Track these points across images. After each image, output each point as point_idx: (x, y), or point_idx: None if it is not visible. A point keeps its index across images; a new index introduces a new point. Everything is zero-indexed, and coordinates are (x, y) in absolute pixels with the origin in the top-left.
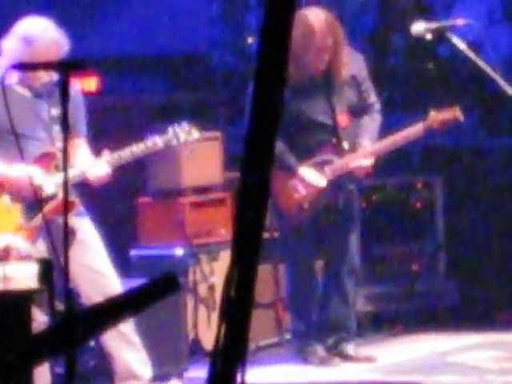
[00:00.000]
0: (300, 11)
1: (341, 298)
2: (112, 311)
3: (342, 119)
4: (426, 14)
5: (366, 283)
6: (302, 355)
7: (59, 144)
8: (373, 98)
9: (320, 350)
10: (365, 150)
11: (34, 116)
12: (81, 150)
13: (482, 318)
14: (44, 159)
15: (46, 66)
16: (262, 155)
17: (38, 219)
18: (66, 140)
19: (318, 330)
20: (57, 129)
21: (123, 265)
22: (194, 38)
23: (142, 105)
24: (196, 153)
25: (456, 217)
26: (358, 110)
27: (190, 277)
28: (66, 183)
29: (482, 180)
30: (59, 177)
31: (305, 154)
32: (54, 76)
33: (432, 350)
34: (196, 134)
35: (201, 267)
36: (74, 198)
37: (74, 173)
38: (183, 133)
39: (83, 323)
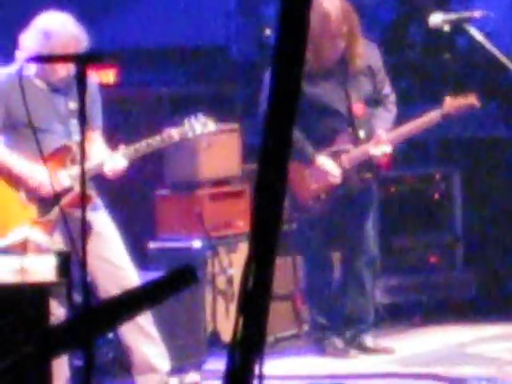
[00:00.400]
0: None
1: (359, 289)
2: (130, 304)
3: (358, 108)
4: (444, 5)
5: (385, 275)
6: (320, 347)
7: (76, 137)
8: (387, 89)
9: (338, 341)
10: (380, 138)
11: (50, 109)
12: (96, 142)
13: (499, 309)
14: (60, 153)
15: (64, 58)
16: (279, 146)
17: (53, 213)
18: (83, 133)
19: (337, 321)
20: (74, 122)
21: (141, 257)
22: (212, 29)
23: (161, 97)
24: (214, 145)
25: (474, 208)
26: (373, 101)
27: (209, 269)
28: (83, 176)
29: (500, 171)
30: (75, 170)
31: (319, 141)
32: (71, 70)
33: (450, 341)
34: (212, 125)
35: (219, 259)
36: (90, 191)
37: (90, 166)
38: (199, 125)
39: (101, 316)
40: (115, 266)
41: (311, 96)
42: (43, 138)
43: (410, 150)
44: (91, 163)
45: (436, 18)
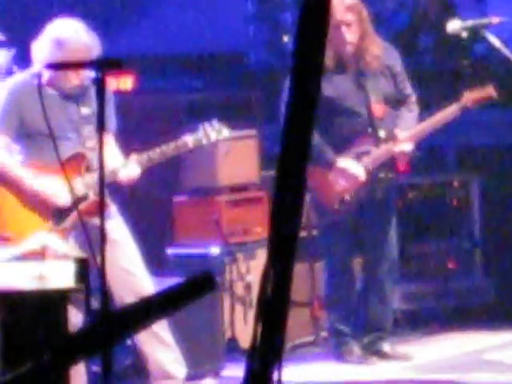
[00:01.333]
0: None
1: (379, 296)
2: (148, 310)
3: (377, 108)
4: (451, 12)
5: (403, 281)
6: (338, 353)
7: (89, 144)
8: (409, 89)
9: (356, 348)
10: (397, 137)
11: (63, 116)
12: (109, 147)
13: None
14: (74, 161)
15: (83, 65)
16: (298, 152)
17: (68, 222)
18: (101, 139)
19: (355, 328)
20: (87, 128)
21: (160, 263)
22: (230, 36)
23: (179, 103)
24: (232, 151)
25: (492, 215)
26: (395, 101)
27: (227, 275)
28: (102, 185)
29: None
30: (89, 178)
31: (340, 143)
32: (84, 79)
33: (468, 347)
34: (226, 132)
35: (237, 266)
36: (104, 199)
37: (120, 175)
38: (214, 131)
39: (119, 322)
40: (129, 274)
41: (330, 98)
42: (57, 146)
43: (428, 157)
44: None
45: (454, 25)
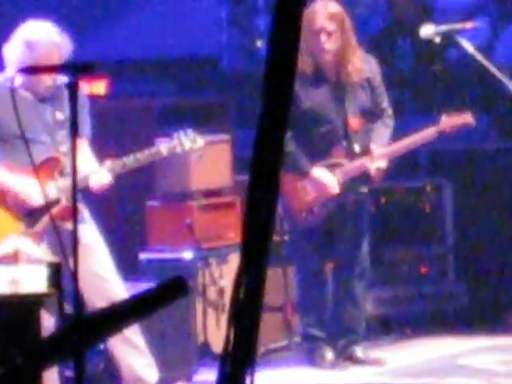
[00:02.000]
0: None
1: (351, 301)
2: (122, 314)
3: (354, 122)
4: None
5: (376, 286)
6: (310, 358)
7: (63, 148)
8: (386, 103)
9: (329, 353)
10: (373, 154)
11: (37, 120)
12: (82, 151)
13: (491, 320)
14: (47, 164)
15: (55, 69)
16: (271, 158)
17: (40, 225)
18: (74, 144)
19: (328, 333)
20: (61, 133)
21: (132, 268)
22: (203, 40)
23: (153, 108)
24: (205, 156)
25: (465, 220)
26: (371, 114)
27: (199, 280)
28: (74, 189)
29: (492, 183)
30: (62, 182)
31: (314, 152)
32: (57, 80)
33: (441, 352)
34: (200, 142)
35: (210, 270)
36: (77, 203)
37: (92, 181)
38: (188, 141)
39: (92, 327)
40: (102, 279)
41: (307, 108)
42: (31, 149)
43: (400, 162)
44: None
45: (427, 30)
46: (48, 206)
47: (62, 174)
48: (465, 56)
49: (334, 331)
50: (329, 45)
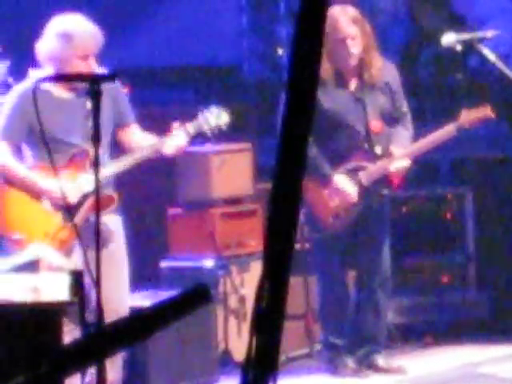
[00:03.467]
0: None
1: (373, 309)
2: (144, 323)
3: (375, 124)
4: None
5: (397, 294)
6: (332, 366)
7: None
8: (405, 107)
9: (350, 361)
10: (396, 156)
11: (70, 117)
12: (138, 133)
13: (511, 329)
14: (79, 157)
15: (78, 78)
16: (294, 164)
17: (78, 218)
18: (97, 148)
19: (349, 341)
20: (92, 123)
21: (153, 276)
22: (224, 48)
23: (173, 116)
24: (227, 164)
25: (486, 228)
26: (391, 119)
27: (221, 288)
28: (98, 192)
29: None
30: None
31: (336, 157)
32: (94, 69)
33: (462, 361)
34: (225, 116)
35: (231, 278)
36: (112, 193)
37: (144, 153)
38: (213, 117)
39: (114, 335)
40: (112, 289)
41: (328, 111)
42: (65, 148)
43: (421, 170)
44: (144, 151)
45: (449, 38)
46: (83, 198)
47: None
48: (486, 64)
49: (356, 339)
50: (354, 49)
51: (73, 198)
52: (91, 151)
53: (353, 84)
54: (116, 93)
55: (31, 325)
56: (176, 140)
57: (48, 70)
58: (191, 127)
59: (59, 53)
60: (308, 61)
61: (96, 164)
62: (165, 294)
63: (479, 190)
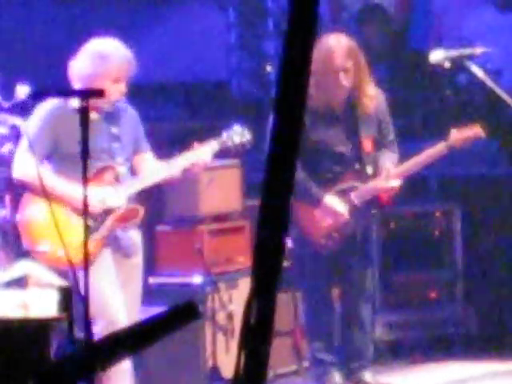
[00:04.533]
0: (323, 37)
1: (358, 326)
2: (132, 339)
3: (367, 144)
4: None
5: (384, 311)
6: (320, 383)
7: (119, 159)
8: (392, 135)
9: (338, 377)
10: (388, 172)
11: (96, 137)
12: (151, 160)
13: (500, 345)
14: (103, 172)
15: (68, 93)
16: (282, 182)
17: (102, 231)
18: (85, 165)
19: (337, 357)
20: (115, 146)
21: (142, 292)
22: (212, 65)
23: (162, 132)
24: (215, 181)
25: (474, 245)
26: (379, 145)
27: (209, 304)
28: (85, 211)
29: (501, 209)
30: (121, 187)
31: (326, 181)
32: (123, 93)
33: (450, 377)
34: (248, 134)
35: (219, 295)
36: (137, 206)
37: (161, 175)
38: (237, 135)
39: (102, 350)
40: (128, 298)
41: (318, 142)
42: (90, 164)
43: (410, 187)
44: (163, 171)
45: (437, 55)
46: (110, 210)
47: (117, 180)
48: (474, 81)
49: (343, 356)
50: (345, 82)
51: (97, 209)
52: (116, 166)
53: (343, 115)
54: (136, 119)
55: (20, 340)
56: (200, 158)
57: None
58: (216, 144)
59: (92, 73)
60: (296, 79)
61: (84, 181)
62: (153, 311)
63: (467, 207)
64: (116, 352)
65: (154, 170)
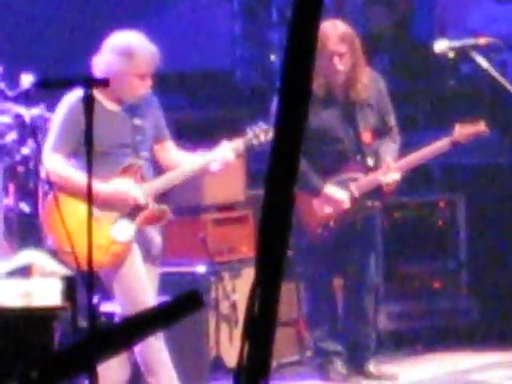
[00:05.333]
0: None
1: (360, 316)
2: (135, 328)
3: (366, 136)
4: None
5: (388, 301)
6: (323, 373)
7: (143, 153)
8: (393, 120)
9: (341, 367)
10: (389, 165)
11: (119, 130)
12: (173, 149)
13: (503, 336)
14: (130, 171)
15: (71, 82)
16: (286, 171)
17: (132, 232)
18: (90, 154)
19: (339, 347)
20: (139, 138)
21: None
22: (216, 55)
23: (166, 122)
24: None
25: (478, 235)
26: (379, 133)
27: (212, 294)
28: (90, 199)
29: (505, 198)
30: (147, 186)
31: (327, 169)
32: (148, 87)
33: (454, 368)
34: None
35: (223, 284)
36: (165, 207)
37: (188, 168)
38: (262, 132)
39: (106, 340)
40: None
41: (318, 128)
42: (114, 160)
43: (414, 177)
44: (189, 167)
45: (441, 45)
46: (138, 210)
47: (143, 178)
48: (478, 71)
49: (346, 346)
50: (341, 66)
51: (139, 199)
52: (142, 164)
53: (341, 101)
54: (157, 106)
55: (23, 330)
56: (224, 156)
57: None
58: (241, 142)
59: (117, 69)
60: (301, 68)
61: (89, 171)
62: (157, 300)
63: (471, 197)
64: (119, 341)
65: (178, 171)
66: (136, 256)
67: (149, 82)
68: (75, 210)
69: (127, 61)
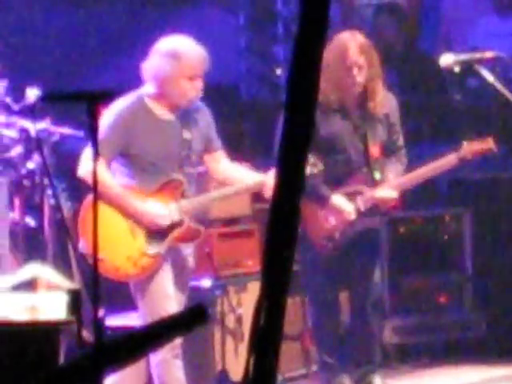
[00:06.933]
0: (339, 34)
1: (366, 330)
2: (141, 342)
3: (374, 150)
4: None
5: (393, 315)
6: None
7: (187, 168)
8: (401, 141)
9: (347, 381)
10: (392, 181)
11: (167, 141)
12: (223, 160)
13: (509, 350)
14: (171, 186)
15: (76, 97)
16: (292, 185)
17: (162, 247)
18: (95, 165)
19: (344, 361)
20: (184, 153)
21: None
22: (221, 68)
23: None
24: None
25: (484, 249)
26: (387, 150)
27: (218, 308)
28: (95, 210)
29: (510, 212)
30: (185, 204)
31: (333, 180)
32: (200, 91)
33: (459, 382)
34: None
35: (228, 298)
36: (199, 226)
37: (238, 188)
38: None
39: (111, 353)
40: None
41: (326, 135)
42: (158, 171)
43: (420, 191)
44: (238, 185)
45: (447, 59)
46: (172, 226)
47: (184, 195)
48: (484, 85)
49: (351, 360)
50: (359, 78)
51: (164, 223)
52: (183, 180)
53: (354, 112)
54: (208, 117)
55: (29, 343)
56: (267, 183)
57: (150, 89)
58: None
59: (166, 72)
60: (306, 82)
61: (94, 181)
62: None
63: (477, 211)
64: (124, 355)
65: (220, 191)
66: (167, 273)
67: (199, 84)
68: (112, 220)
69: (175, 63)
